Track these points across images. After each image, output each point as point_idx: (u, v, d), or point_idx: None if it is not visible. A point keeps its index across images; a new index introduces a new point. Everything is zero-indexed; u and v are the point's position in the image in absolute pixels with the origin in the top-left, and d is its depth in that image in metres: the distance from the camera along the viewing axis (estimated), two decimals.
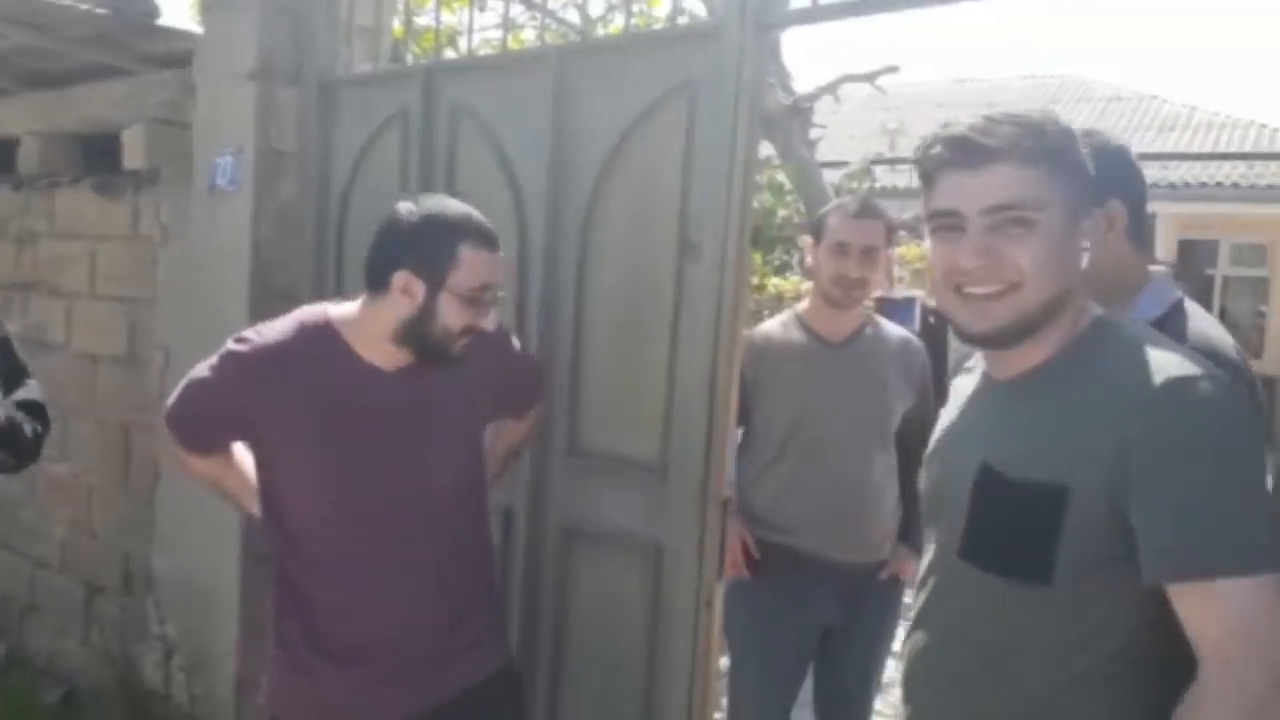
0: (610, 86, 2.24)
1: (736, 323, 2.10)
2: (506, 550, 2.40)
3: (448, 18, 4.36)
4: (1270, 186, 11.64)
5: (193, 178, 3.13)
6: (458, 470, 1.86)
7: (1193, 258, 13.77)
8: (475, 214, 1.73)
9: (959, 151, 1.22)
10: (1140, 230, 1.63)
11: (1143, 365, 1.16)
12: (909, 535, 2.57)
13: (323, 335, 1.77)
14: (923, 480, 1.47)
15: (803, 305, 2.68)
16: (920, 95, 15.78)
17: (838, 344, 2.57)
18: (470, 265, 1.68)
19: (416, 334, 1.71)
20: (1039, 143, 1.21)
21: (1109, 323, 1.27)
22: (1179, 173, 12.65)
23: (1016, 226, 1.21)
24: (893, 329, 2.67)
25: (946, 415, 1.48)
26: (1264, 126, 13.84)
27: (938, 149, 1.25)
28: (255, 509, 1.92)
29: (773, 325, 2.69)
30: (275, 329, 1.79)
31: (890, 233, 2.55)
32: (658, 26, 2.36)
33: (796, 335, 2.59)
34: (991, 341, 1.28)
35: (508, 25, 2.55)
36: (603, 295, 2.29)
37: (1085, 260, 1.25)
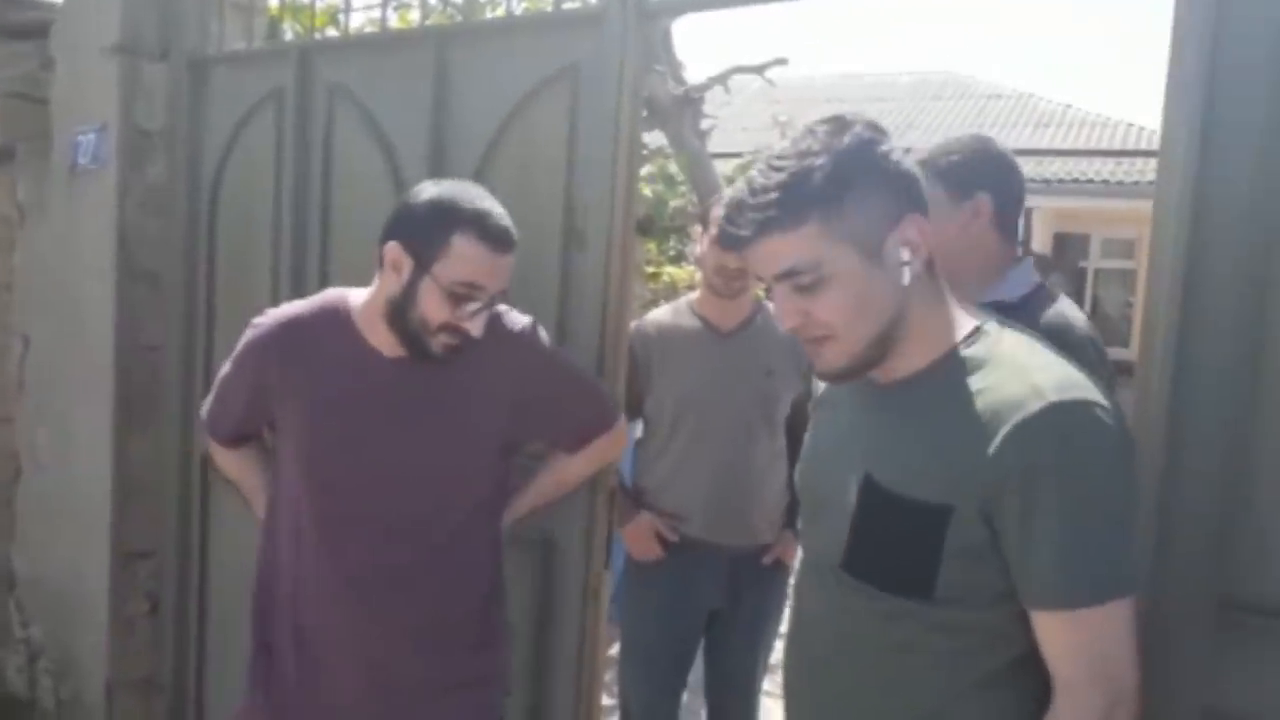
0: (492, 70, 2.20)
1: (623, 311, 2.09)
2: None
3: None
4: (1137, 183, 12.19)
5: (52, 156, 2.97)
6: (447, 478, 1.73)
7: (1066, 250, 14.37)
8: (495, 211, 1.62)
9: (729, 240, 1.23)
10: (1007, 221, 1.81)
11: (1021, 385, 1.14)
12: (795, 520, 2.57)
13: (335, 313, 1.74)
14: (797, 475, 1.46)
15: (695, 294, 2.70)
16: (811, 89, 16.04)
17: (726, 332, 2.60)
18: (460, 256, 1.57)
19: (397, 316, 1.62)
20: (800, 198, 1.17)
21: (990, 332, 1.24)
22: (1053, 168, 13.15)
23: (808, 286, 1.19)
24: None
25: (822, 412, 1.47)
26: (1131, 125, 14.50)
27: (716, 232, 1.27)
28: (262, 512, 1.89)
29: (663, 313, 2.70)
30: (293, 305, 1.80)
31: None
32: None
33: (687, 322, 2.62)
34: (836, 378, 1.30)
35: (387, 3, 2.47)
36: None
37: (907, 275, 1.20)
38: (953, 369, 1.22)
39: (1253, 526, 1.41)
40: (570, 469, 1.95)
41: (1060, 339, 1.39)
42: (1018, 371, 1.17)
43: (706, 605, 2.61)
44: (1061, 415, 1.11)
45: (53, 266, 3.02)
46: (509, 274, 1.65)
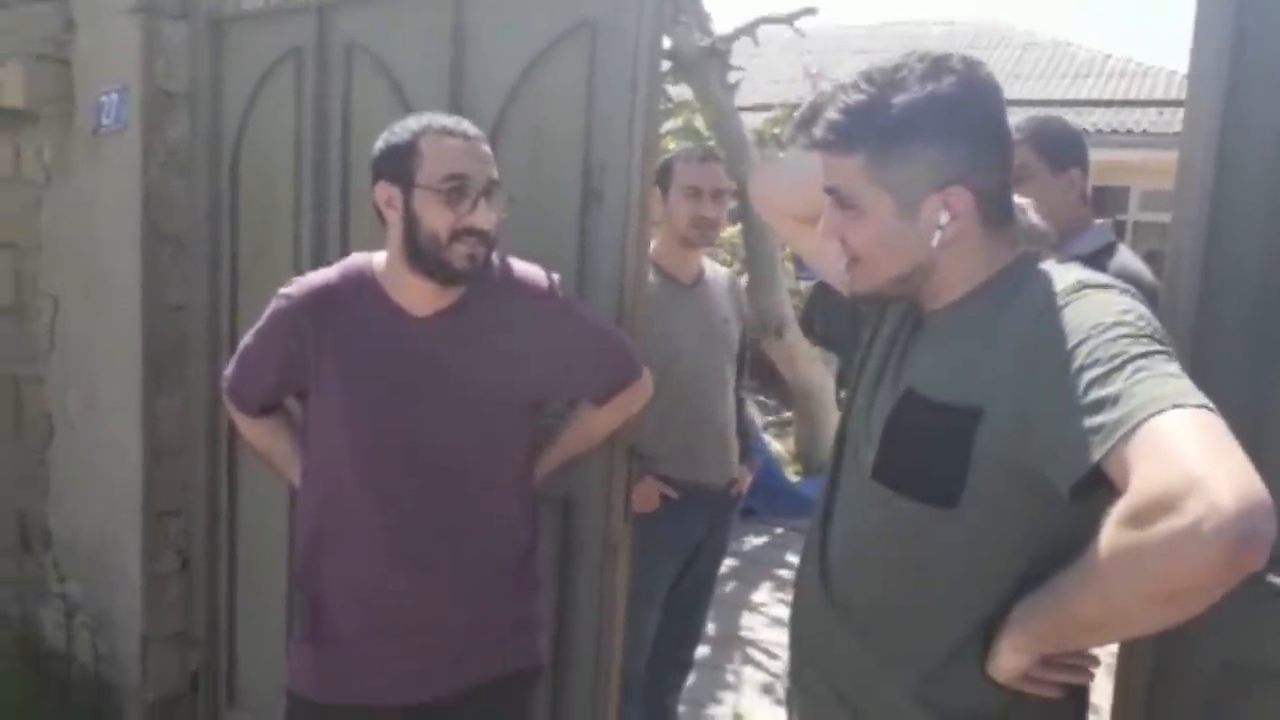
0: (509, 25, 2.17)
1: (642, 269, 2.08)
2: None
3: None
4: (1178, 134, 11.89)
5: (75, 118, 2.98)
6: (485, 437, 1.76)
7: (1105, 204, 14.12)
8: (446, 116, 1.72)
9: (802, 133, 1.28)
10: (1087, 190, 2.26)
11: (1047, 285, 1.15)
12: (744, 455, 2.90)
13: (361, 276, 1.76)
14: (843, 413, 1.46)
15: (651, 248, 2.72)
16: (841, 39, 15.77)
17: (689, 284, 2.76)
18: (433, 155, 1.64)
19: (412, 247, 1.67)
20: (859, 129, 1.19)
21: (1030, 257, 1.24)
22: (1092, 119, 12.88)
23: (848, 207, 1.24)
24: (717, 269, 2.95)
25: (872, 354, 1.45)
26: (1173, 73, 14.13)
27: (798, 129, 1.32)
28: (298, 479, 1.90)
29: None
30: (320, 273, 1.82)
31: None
32: None
33: (651, 278, 2.64)
34: (863, 300, 1.35)
35: None
36: (506, 240, 2.24)
37: (938, 238, 1.19)
38: (995, 289, 1.22)
39: (1277, 476, 1.38)
40: (597, 422, 1.97)
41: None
42: (1047, 278, 1.17)
43: (695, 542, 2.80)
44: (1074, 292, 1.12)
45: (78, 228, 3.04)
46: (490, 163, 1.70)
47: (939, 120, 1.17)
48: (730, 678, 3.92)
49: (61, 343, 3.16)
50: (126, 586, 3.03)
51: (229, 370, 1.92)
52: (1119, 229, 14.29)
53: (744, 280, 5.77)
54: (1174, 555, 0.89)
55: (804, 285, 7.47)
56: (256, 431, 1.96)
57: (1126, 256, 2.18)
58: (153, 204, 2.84)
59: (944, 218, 1.19)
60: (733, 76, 6.05)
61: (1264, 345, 1.39)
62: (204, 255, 2.87)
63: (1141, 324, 1.07)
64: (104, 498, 3.07)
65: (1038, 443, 1.07)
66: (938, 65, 1.18)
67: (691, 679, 3.13)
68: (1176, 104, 12.77)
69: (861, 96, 1.18)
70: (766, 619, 4.51)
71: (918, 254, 1.22)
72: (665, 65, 5.50)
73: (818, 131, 1.22)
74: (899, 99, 1.16)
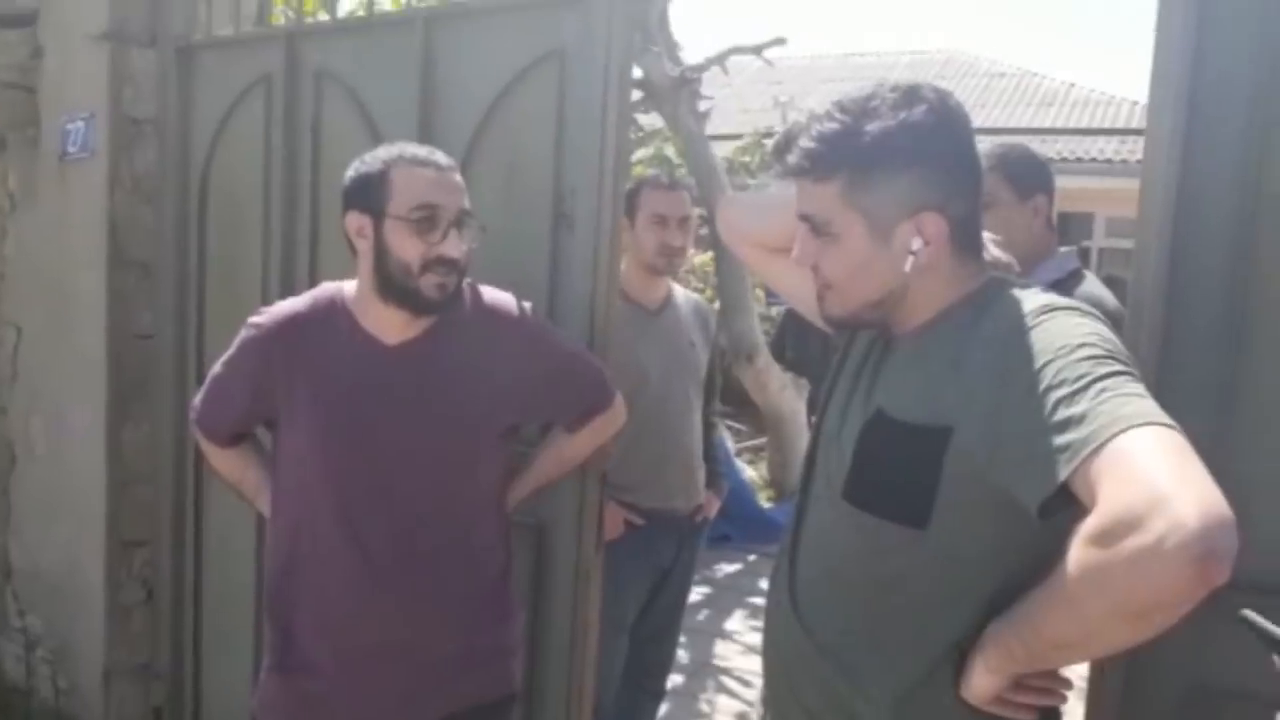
0: (479, 53, 2.18)
1: (612, 293, 2.09)
2: None
3: None
4: (1140, 162, 12.08)
5: (41, 145, 2.96)
6: (457, 463, 1.75)
7: (1070, 230, 14.33)
8: (418, 145, 1.72)
9: (777, 162, 1.29)
10: (1051, 216, 2.27)
11: (1014, 308, 1.17)
12: (711, 481, 2.92)
13: (332, 305, 1.76)
14: (812, 436, 1.47)
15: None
16: (811, 69, 15.97)
17: (655, 310, 2.76)
18: (404, 185, 1.63)
19: (384, 279, 1.66)
20: (836, 155, 1.21)
21: (998, 282, 1.26)
22: (1057, 147, 13.08)
23: (822, 234, 1.25)
24: (686, 295, 2.95)
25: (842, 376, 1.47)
26: (1136, 104, 14.40)
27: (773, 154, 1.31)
28: (268, 508, 1.88)
29: None
30: (289, 301, 1.81)
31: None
32: None
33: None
34: (835, 326, 1.36)
35: None
36: (476, 267, 2.23)
37: (910, 264, 1.21)
38: (963, 313, 1.23)
39: (1243, 499, 1.40)
40: (570, 448, 1.97)
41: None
42: (1016, 302, 1.19)
43: (662, 568, 2.81)
44: (1042, 314, 1.14)
45: (44, 256, 3.01)
46: (461, 193, 1.70)
47: (912, 148, 1.19)
48: (704, 706, 3.90)
49: (25, 371, 3.12)
50: (89, 618, 2.98)
51: (198, 400, 1.90)
52: (1084, 255, 14.51)
53: (715, 306, 5.80)
54: (1140, 572, 0.91)
55: (775, 311, 7.51)
56: (226, 461, 1.95)
57: (1093, 284, 2.20)
58: (119, 231, 2.82)
59: (916, 243, 1.21)
60: (703, 105, 6.10)
61: (1226, 367, 1.41)
62: (171, 282, 2.84)
63: (1107, 346, 1.09)
64: (68, 528, 3.02)
65: (1005, 462, 1.09)
66: (909, 94, 1.20)
67: (665, 708, 3.13)
68: (1138, 133, 12.99)
69: (835, 125, 1.20)
70: (740, 647, 4.49)
71: (890, 280, 1.23)
72: (636, 94, 5.54)
73: (793, 158, 1.24)
74: (872, 126, 1.18)
